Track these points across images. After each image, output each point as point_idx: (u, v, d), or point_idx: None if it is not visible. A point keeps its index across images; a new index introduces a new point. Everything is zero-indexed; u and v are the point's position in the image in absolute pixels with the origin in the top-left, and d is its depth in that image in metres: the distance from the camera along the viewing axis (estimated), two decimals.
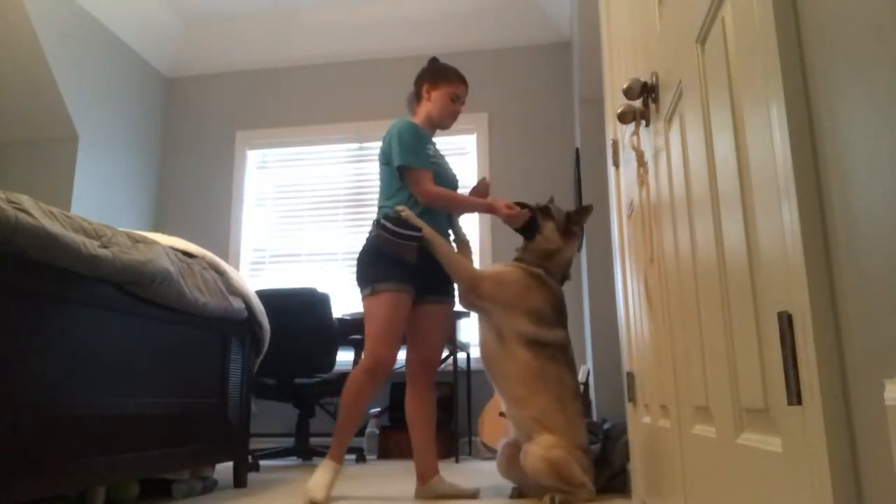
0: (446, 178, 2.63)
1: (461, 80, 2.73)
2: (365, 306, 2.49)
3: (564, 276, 2.53)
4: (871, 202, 0.59)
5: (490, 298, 2.41)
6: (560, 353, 2.37)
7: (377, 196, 2.66)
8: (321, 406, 3.99)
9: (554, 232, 2.52)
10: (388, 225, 2.45)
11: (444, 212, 2.61)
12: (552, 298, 2.42)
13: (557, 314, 2.42)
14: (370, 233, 2.55)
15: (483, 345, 2.45)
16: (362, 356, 2.48)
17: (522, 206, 2.55)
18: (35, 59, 4.08)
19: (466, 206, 2.65)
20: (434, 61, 2.80)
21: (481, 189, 2.78)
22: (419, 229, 2.45)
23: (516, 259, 2.56)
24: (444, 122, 2.71)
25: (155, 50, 5.11)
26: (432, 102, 2.69)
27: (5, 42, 4.04)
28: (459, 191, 2.72)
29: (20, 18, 3.96)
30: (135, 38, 4.91)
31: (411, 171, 2.51)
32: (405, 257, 2.43)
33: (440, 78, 2.71)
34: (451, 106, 2.69)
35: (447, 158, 2.76)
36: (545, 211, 2.56)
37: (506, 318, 2.37)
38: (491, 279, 2.45)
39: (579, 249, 3.95)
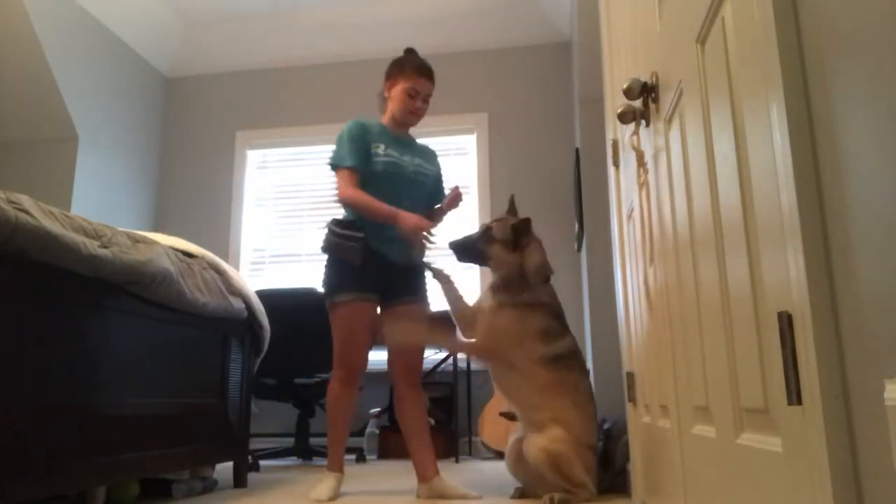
0: (401, 177, 2.54)
1: (420, 73, 2.56)
2: (329, 314, 2.52)
3: (546, 277, 2.41)
4: (872, 201, 0.59)
5: (499, 351, 2.35)
6: (573, 360, 2.34)
7: None
8: (321, 406, 3.98)
9: (503, 252, 2.38)
10: (334, 227, 2.53)
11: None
12: (549, 310, 2.36)
13: (559, 319, 2.37)
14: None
15: (494, 366, 2.41)
16: (333, 368, 2.50)
17: (457, 250, 2.44)
18: (35, 59, 4.08)
19: (378, 215, 2.44)
20: (409, 51, 2.68)
21: (449, 197, 2.65)
22: (360, 230, 2.47)
23: (494, 294, 2.40)
24: (406, 119, 2.60)
25: (155, 50, 5.11)
26: (392, 100, 2.61)
27: (5, 42, 4.04)
28: (453, 189, 2.64)
29: (20, 18, 3.96)
30: (135, 38, 4.91)
31: (336, 171, 2.52)
32: (349, 258, 2.45)
33: (397, 73, 2.60)
34: (409, 102, 2.56)
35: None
36: (486, 235, 2.42)
37: (518, 352, 2.32)
38: (487, 336, 2.37)
39: (579, 249, 3.95)
